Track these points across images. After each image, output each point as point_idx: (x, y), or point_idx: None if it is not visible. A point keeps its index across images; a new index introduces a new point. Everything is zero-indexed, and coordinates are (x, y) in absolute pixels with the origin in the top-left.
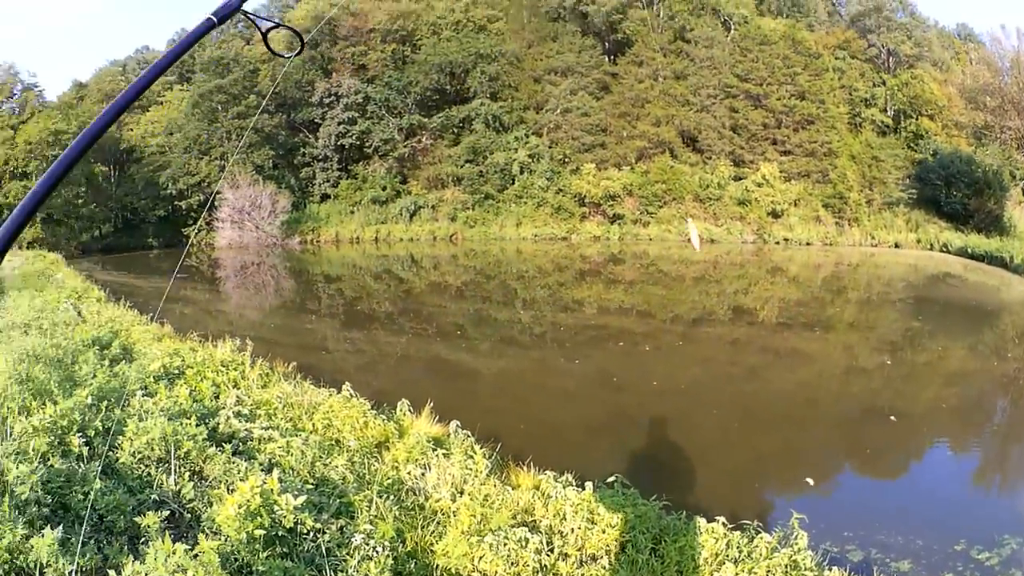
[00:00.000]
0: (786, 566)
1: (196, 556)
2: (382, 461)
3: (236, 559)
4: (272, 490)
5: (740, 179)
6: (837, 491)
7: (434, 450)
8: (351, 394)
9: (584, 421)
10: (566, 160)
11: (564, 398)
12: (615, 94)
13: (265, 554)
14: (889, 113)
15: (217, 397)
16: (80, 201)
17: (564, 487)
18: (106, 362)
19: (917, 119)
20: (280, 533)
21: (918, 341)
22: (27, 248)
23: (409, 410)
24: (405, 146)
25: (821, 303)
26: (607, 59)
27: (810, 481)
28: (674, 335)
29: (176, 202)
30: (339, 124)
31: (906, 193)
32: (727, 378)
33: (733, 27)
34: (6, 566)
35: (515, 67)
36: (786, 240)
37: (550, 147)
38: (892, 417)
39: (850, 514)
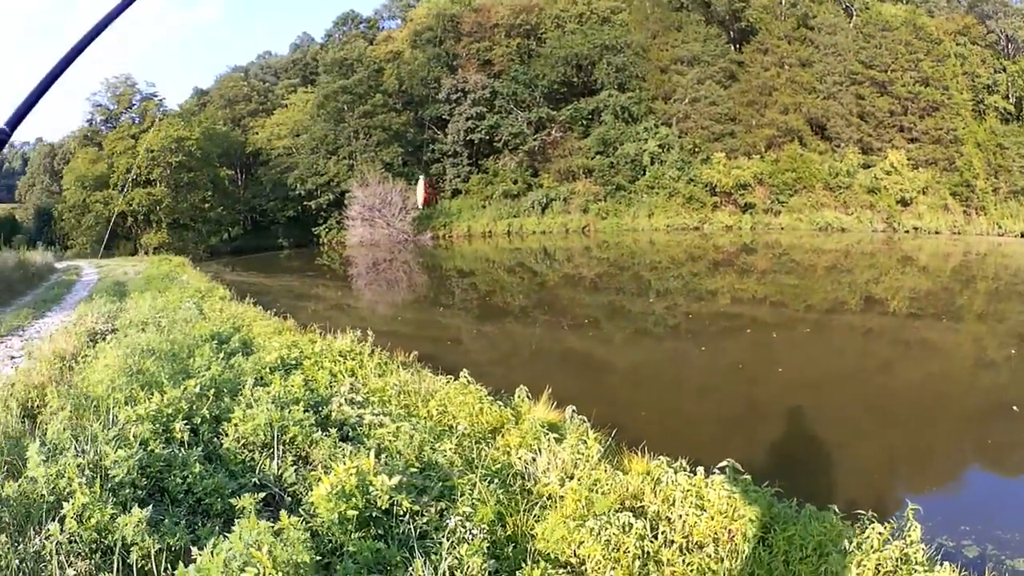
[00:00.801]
0: (897, 559)
1: (279, 533)
2: (494, 446)
3: (330, 540)
4: (367, 471)
5: (869, 167)
6: (959, 486)
7: (547, 435)
8: (468, 380)
9: (712, 411)
10: (696, 149)
11: (694, 388)
12: (742, 82)
13: (357, 535)
14: (1011, 100)
15: (333, 386)
16: (207, 205)
17: (676, 472)
18: (222, 355)
19: None
20: (375, 514)
21: None
22: (153, 253)
23: (528, 396)
24: (535, 139)
25: (950, 293)
26: (732, 47)
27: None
28: (806, 325)
29: (305, 202)
30: (467, 120)
31: None
32: (857, 369)
33: (855, 13)
34: (94, 544)
35: (641, 57)
36: (915, 229)
37: (680, 137)
38: (1015, 408)
39: (970, 508)
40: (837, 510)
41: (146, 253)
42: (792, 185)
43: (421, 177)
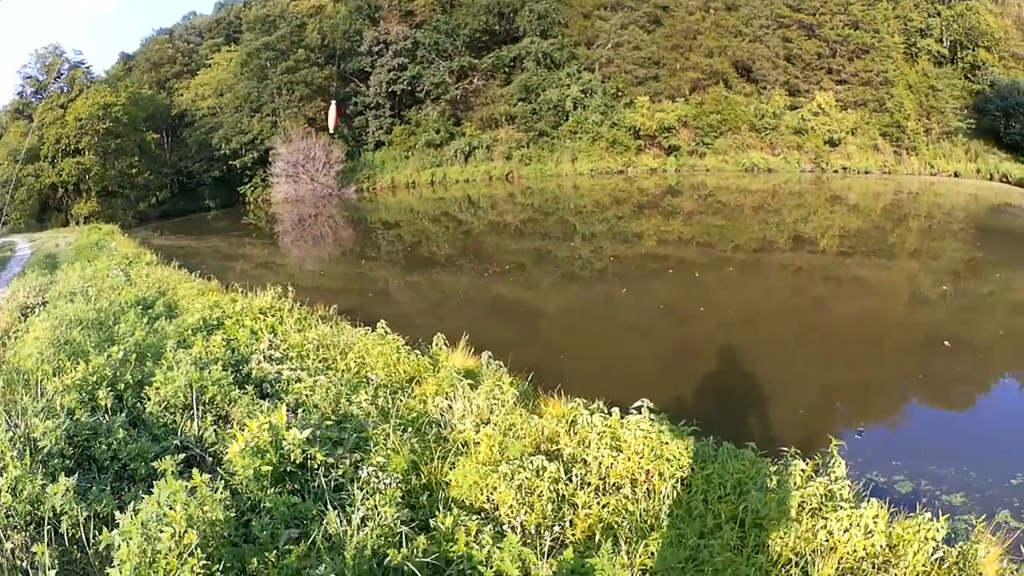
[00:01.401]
0: (822, 496)
1: (193, 491)
2: (411, 396)
3: (248, 497)
4: (280, 426)
5: (796, 108)
6: (892, 421)
7: (462, 382)
8: (385, 331)
9: (636, 352)
10: (619, 94)
11: (618, 330)
12: (667, 27)
13: (273, 490)
14: (945, 44)
15: (254, 344)
16: (134, 171)
17: (591, 414)
18: (146, 320)
19: (974, 50)
20: (290, 469)
21: (980, 271)
22: (84, 223)
23: (446, 344)
24: (457, 88)
25: (882, 232)
26: None
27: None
28: (733, 265)
29: (230, 162)
30: (389, 71)
31: (964, 123)
32: (787, 307)
33: None
34: (28, 517)
35: (564, 4)
36: (844, 169)
37: (603, 82)
38: (946, 343)
39: (903, 444)
40: (756, 447)
41: (77, 223)
42: (717, 127)
43: (333, 102)
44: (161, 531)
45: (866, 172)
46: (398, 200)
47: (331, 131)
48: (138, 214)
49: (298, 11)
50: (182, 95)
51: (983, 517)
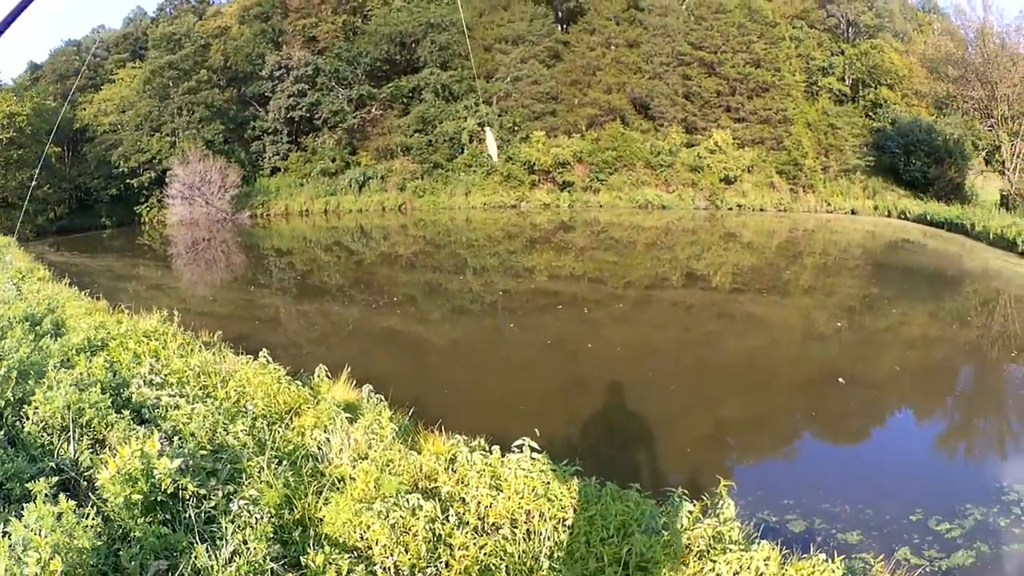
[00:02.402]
0: (710, 538)
1: (59, 517)
2: (289, 427)
3: (120, 525)
4: (152, 454)
5: (692, 146)
6: (784, 458)
7: (340, 415)
8: (267, 360)
9: (522, 388)
10: (516, 128)
11: (505, 365)
12: (567, 62)
13: (144, 520)
14: (847, 82)
15: (136, 367)
16: (34, 183)
17: (471, 452)
18: (31, 337)
19: (876, 88)
20: (160, 499)
21: (876, 307)
22: None
23: (328, 376)
24: (354, 117)
25: (776, 269)
26: (559, 27)
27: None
28: (627, 302)
29: (128, 180)
30: (289, 97)
31: (863, 161)
32: (679, 344)
33: None
34: None
35: (466, 36)
36: (739, 206)
37: (500, 116)
38: (840, 380)
39: (795, 482)
40: (641, 488)
41: None
42: (612, 163)
43: (488, 129)
44: (23, 555)
45: (761, 209)
46: (291, 227)
47: (494, 159)
48: (35, 228)
49: (204, 31)
50: (84, 109)
51: (881, 556)
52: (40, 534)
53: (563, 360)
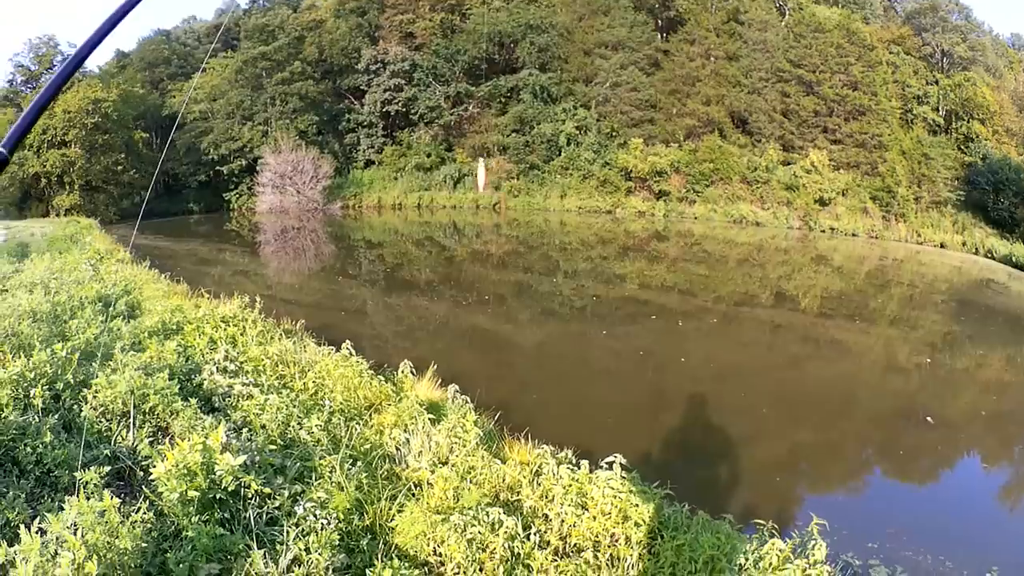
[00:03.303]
0: None
1: (102, 514)
2: (367, 425)
3: (173, 522)
4: (215, 448)
5: (789, 164)
6: (867, 496)
7: (423, 415)
8: (350, 352)
9: (609, 398)
10: (614, 134)
11: (593, 373)
12: (666, 71)
13: (199, 518)
14: (941, 113)
15: (211, 353)
16: (120, 168)
17: (558, 464)
18: (103, 318)
19: (968, 122)
20: (220, 496)
21: (958, 345)
22: (65, 215)
23: (412, 372)
24: (451, 114)
25: (864, 296)
26: (659, 36)
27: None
28: (717, 316)
29: (217, 167)
30: (385, 91)
31: (954, 194)
32: (765, 364)
33: (788, 12)
34: None
35: (565, 39)
36: (832, 229)
37: (598, 120)
38: (928, 419)
39: (878, 522)
40: (732, 520)
41: (58, 215)
42: (709, 176)
43: (482, 161)
44: (57, 554)
45: (853, 234)
46: (383, 220)
47: (479, 189)
48: (120, 211)
49: (298, 23)
50: (174, 96)
51: None
52: (78, 532)
53: (652, 372)
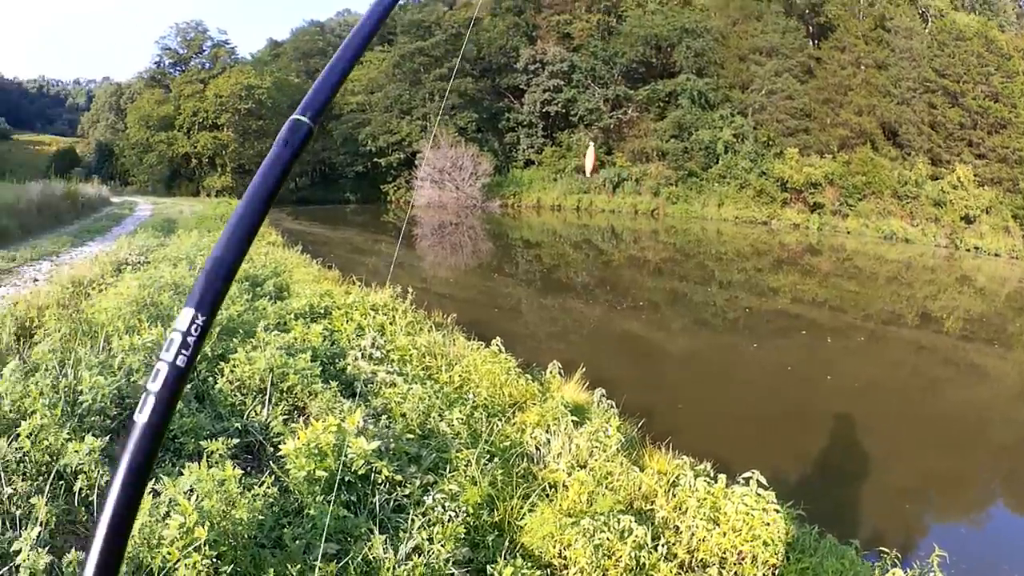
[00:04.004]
0: None
1: (223, 483)
2: (510, 422)
3: (297, 499)
4: (349, 430)
5: (937, 179)
6: (996, 530)
7: (566, 416)
8: (499, 349)
9: (752, 411)
10: (770, 143)
11: (739, 385)
12: (819, 79)
13: (324, 498)
14: None
15: (357, 340)
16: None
17: (695, 476)
18: (249, 297)
19: None
20: (348, 479)
21: None
22: (216, 196)
23: (560, 373)
24: (611, 117)
25: (1003, 319)
26: (811, 43)
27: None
28: (863, 334)
29: (375, 159)
30: (544, 91)
31: None
32: (906, 386)
33: (930, 19)
34: (44, 467)
35: (720, 44)
36: (976, 248)
37: (754, 128)
38: None
39: (1001, 558)
40: (859, 545)
41: (208, 195)
42: (861, 189)
43: (591, 144)
44: (171, 518)
45: (996, 254)
46: (541, 221)
47: (587, 174)
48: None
49: (455, 20)
50: None
51: None
52: (193, 498)
53: (796, 388)
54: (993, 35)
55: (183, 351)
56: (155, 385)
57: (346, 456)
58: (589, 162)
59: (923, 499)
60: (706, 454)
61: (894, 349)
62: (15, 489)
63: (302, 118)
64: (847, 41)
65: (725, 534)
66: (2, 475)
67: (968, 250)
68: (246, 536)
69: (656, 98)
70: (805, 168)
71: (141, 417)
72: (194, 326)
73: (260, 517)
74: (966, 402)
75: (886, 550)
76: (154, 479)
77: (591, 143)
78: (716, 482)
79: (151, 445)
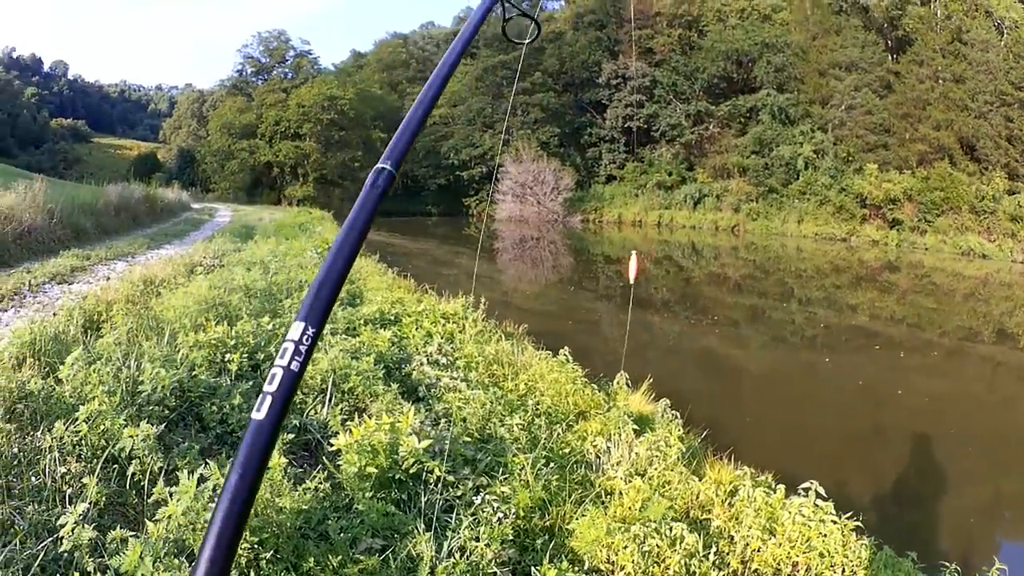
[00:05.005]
0: None
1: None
2: (571, 430)
3: (348, 495)
4: (401, 429)
5: (1013, 193)
6: None
7: (627, 425)
8: (567, 359)
9: (820, 425)
10: (850, 159)
11: (813, 401)
12: (898, 93)
13: (373, 494)
14: None
15: (427, 346)
16: (357, 164)
17: (753, 487)
18: None
19: None
20: (400, 477)
21: None
22: (297, 205)
23: (628, 384)
24: (692, 132)
25: None
26: (889, 57)
27: None
28: (938, 351)
29: (457, 172)
30: (626, 106)
31: None
32: (980, 404)
33: (1005, 31)
34: (99, 451)
35: (800, 59)
36: None
37: (834, 144)
38: None
39: None
40: (916, 558)
41: (290, 204)
42: (940, 205)
43: (634, 254)
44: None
45: None
46: (623, 236)
47: (630, 281)
48: None
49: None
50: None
51: None
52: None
53: (869, 404)
54: None
55: (296, 357)
56: (271, 387)
57: (397, 454)
58: (632, 270)
59: (992, 519)
60: (770, 466)
61: (970, 366)
62: (69, 469)
63: (385, 166)
64: (925, 55)
65: (781, 544)
66: (57, 455)
67: None
68: (288, 525)
69: (737, 113)
70: (884, 184)
71: (258, 416)
72: (305, 336)
73: (305, 507)
74: None
75: (947, 564)
76: (203, 465)
77: (633, 253)
78: (775, 493)
79: (267, 441)
